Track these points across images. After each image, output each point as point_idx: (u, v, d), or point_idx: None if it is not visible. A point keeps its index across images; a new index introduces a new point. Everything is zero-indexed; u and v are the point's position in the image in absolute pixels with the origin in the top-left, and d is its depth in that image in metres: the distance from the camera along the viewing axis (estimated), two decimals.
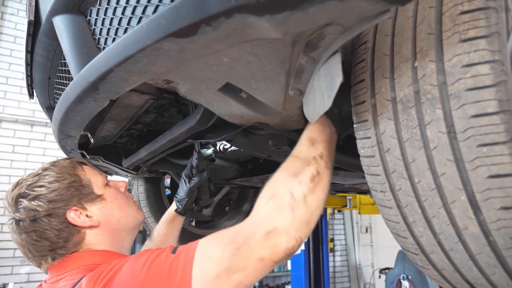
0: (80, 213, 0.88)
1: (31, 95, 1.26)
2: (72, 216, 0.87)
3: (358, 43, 0.66)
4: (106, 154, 1.44)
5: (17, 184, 0.91)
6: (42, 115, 4.57)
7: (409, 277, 4.34)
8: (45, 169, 0.93)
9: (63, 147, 1.23)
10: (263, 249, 0.65)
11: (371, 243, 7.08)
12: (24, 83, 4.49)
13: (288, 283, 5.45)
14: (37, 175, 0.91)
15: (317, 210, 0.69)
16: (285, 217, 0.65)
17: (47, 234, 0.85)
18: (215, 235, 0.72)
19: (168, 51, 0.55)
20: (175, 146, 1.11)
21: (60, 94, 1.12)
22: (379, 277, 5.41)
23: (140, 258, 0.72)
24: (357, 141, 0.65)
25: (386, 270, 4.79)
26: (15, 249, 4.21)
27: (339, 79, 0.52)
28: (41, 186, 0.87)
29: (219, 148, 1.30)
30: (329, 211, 6.25)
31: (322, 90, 0.56)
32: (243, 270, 0.65)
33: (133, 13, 0.63)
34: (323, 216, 3.42)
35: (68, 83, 0.93)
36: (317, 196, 0.69)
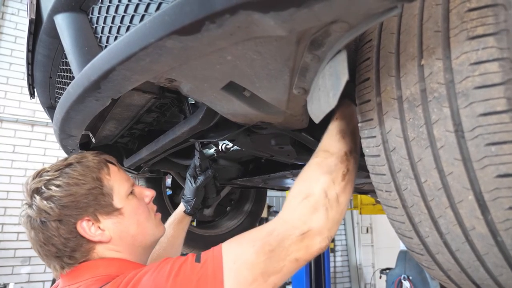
0: (92, 224, 0.80)
1: (32, 95, 1.25)
2: (83, 226, 0.79)
3: (363, 42, 0.66)
4: (107, 154, 1.44)
5: (37, 175, 0.84)
6: (42, 115, 4.57)
7: (410, 277, 4.34)
8: (68, 165, 0.84)
9: (64, 146, 1.23)
10: (298, 251, 0.65)
11: (371, 243, 7.07)
12: (24, 83, 4.50)
13: (289, 283, 5.44)
14: (58, 170, 0.83)
15: (346, 208, 0.70)
16: (320, 218, 0.66)
17: (54, 240, 0.78)
18: (242, 238, 0.70)
19: (171, 49, 0.54)
20: (177, 145, 1.10)
21: (61, 94, 1.12)
22: (380, 277, 5.40)
23: (162, 269, 0.68)
24: (362, 140, 0.64)
25: (387, 271, 4.79)
26: (15, 249, 4.21)
27: (344, 77, 0.51)
28: (58, 186, 0.79)
29: (221, 148, 1.29)
30: None
31: (327, 89, 0.55)
32: (279, 272, 0.64)
33: (135, 11, 0.63)
34: None
35: (70, 82, 0.92)
36: (347, 194, 0.70)
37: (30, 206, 0.80)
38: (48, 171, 0.83)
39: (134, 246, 0.86)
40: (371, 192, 1.88)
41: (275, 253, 0.64)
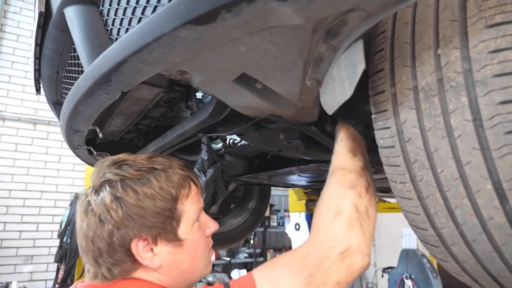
0: (148, 243, 0.71)
1: (38, 90, 1.25)
2: (138, 245, 0.70)
3: (376, 33, 0.65)
4: (113, 151, 1.43)
5: (117, 163, 0.75)
6: (45, 114, 4.58)
7: (412, 276, 4.33)
8: (153, 169, 0.74)
9: (70, 142, 1.23)
10: (339, 272, 0.62)
11: (373, 242, 7.06)
12: (27, 82, 4.50)
13: None
14: (141, 170, 0.73)
15: (375, 222, 0.68)
16: (357, 233, 0.63)
17: (101, 244, 0.69)
18: (276, 263, 0.67)
19: (185, 39, 0.54)
20: (185, 140, 1.10)
21: (68, 89, 1.11)
22: (382, 276, 5.39)
23: None
24: (376, 132, 0.64)
25: (389, 270, 4.78)
26: (18, 247, 4.22)
27: (361, 66, 0.51)
28: (134, 191, 0.70)
29: (229, 143, 1.29)
30: None
31: (342, 79, 0.55)
32: None
33: (147, 2, 0.62)
34: None
35: (77, 77, 0.92)
36: (374, 208, 0.68)
37: (96, 193, 0.72)
38: (130, 165, 0.74)
39: (178, 280, 0.76)
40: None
41: (314, 277, 0.61)
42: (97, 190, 0.73)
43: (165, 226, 0.72)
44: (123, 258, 0.70)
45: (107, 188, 0.71)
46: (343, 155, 0.75)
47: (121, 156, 0.78)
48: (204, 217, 0.82)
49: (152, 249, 0.71)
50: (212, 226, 0.83)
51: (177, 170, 0.77)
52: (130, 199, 0.69)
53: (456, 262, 0.62)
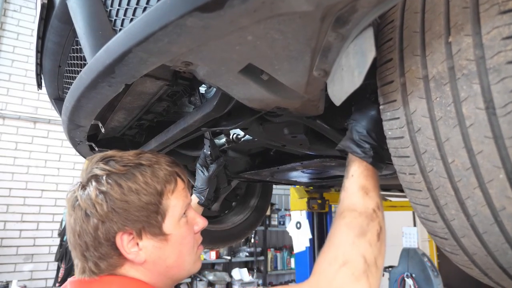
0: (133, 238, 0.71)
1: (39, 85, 1.24)
2: (123, 239, 0.70)
3: (384, 23, 0.65)
4: (115, 147, 1.42)
5: (104, 159, 0.76)
6: (45, 112, 4.56)
7: (413, 275, 4.31)
8: (139, 165, 0.75)
9: (71, 138, 1.22)
10: None
11: None
12: (27, 80, 4.49)
13: (292, 281, 5.43)
14: (127, 166, 0.74)
15: (382, 270, 0.65)
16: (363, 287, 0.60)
17: (88, 238, 0.70)
18: None
19: (191, 28, 0.53)
20: (188, 135, 1.09)
21: (69, 84, 1.10)
22: (383, 275, 5.38)
23: None
24: (384, 123, 0.63)
25: (390, 269, 4.76)
26: (18, 246, 4.21)
27: (371, 54, 0.50)
28: (119, 185, 0.71)
29: (232, 138, 1.28)
30: (333, 208, 6.25)
31: (351, 68, 0.54)
32: None
33: None
34: (327, 213, 3.41)
35: (79, 71, 0.91)
36: (383, 255, 0.65)
37: (83, 188, 0.73)
38: (117, 161, 0.75)
39: (164, 276, 0.76)
40: None
41: None
42: (84, 185, 0.74)
43: (149, 220, 0.72)
44: (108, 252, 0.71)
45: (93, 183, 0.72)
46: (354, 194, 0.71)
47: (110, 152, 0.79)
48: (192, 213, 0.83)
49: (137, 244, 0.72)
50: (200, 222, 0.84)
51: (163, 166, 0.78)
52: (115, 193, 0.70)
53: (466, 254, 0.61)
